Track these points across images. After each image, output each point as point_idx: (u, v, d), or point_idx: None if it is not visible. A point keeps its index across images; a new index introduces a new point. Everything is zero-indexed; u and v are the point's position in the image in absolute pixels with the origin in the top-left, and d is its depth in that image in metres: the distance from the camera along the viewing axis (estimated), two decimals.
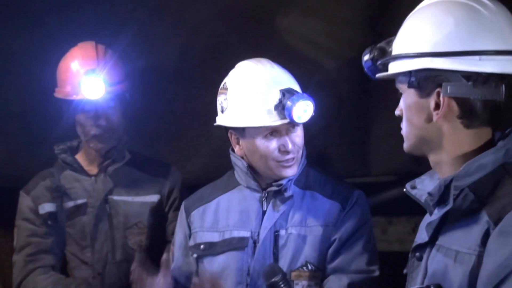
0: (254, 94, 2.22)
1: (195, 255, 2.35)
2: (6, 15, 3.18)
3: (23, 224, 2.79)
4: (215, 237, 2.33)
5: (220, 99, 2.31)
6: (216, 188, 2.42)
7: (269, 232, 2.25)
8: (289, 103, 2.16)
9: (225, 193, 2.38)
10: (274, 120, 2.19)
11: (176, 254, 2.40)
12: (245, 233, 2.28)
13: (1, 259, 3.41)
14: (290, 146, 2.22)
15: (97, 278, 2.75)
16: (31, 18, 3.18)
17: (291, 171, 2.26)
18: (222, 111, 2.30)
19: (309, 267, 2.24)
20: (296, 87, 2.26)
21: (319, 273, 2.25)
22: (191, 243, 2.37)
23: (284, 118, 2.18)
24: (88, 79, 2.64)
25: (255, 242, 2.26)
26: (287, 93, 2.19)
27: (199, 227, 2.36)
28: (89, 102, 2.67)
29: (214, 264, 2.30)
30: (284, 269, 2.21)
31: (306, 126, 2.29)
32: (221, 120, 2.31)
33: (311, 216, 2.27)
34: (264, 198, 2.29)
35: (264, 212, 2.28)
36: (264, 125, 2.20)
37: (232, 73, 2.31)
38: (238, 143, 2.30)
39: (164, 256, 2.14)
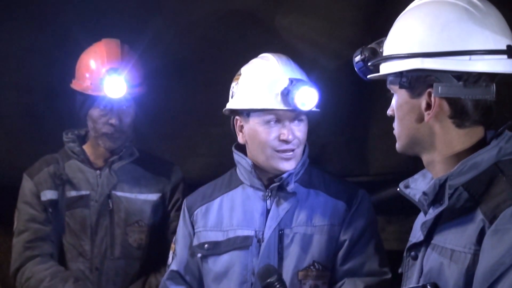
0: (263, 78, 2.23)
1: (199, 255, 2.35)
2: (10, 12, 3.18)
3: (24, 207, 2.80)
4: (219, 237, 2.33)
5: (232, 85, 2.32)
6: (218, 187, 2.41)
7: (273, 231, 2.25)
8: (293, 89, 2.17)
9: (228, 192, 2.38)
10: (278, 105, 2.19)
11: (181, 252, 2.40)
12: (249, 232, 2.28)
13: (0, 259, 3.41)
14: (290, 136, 2.21)
15: (94, 272, 2.76)
16: (34, 16, 3.19)
17: (289, 165, 2.25)
18: (232, 97, 2.31)
19: (317, 267, 2.24)
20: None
21: (326, 273, 2.25)
22: (195, 242, 2.37)
23: (289, 106, 2.19)
24: (111, 77, 2.65)
25: (259, 241, 2.26)
26: (295, 81, 2.20)
27: (202, 226, 2.36)
28: (107, 100, 2.69)
29: (219, 263, 2.31)
30: (291, 268, 2.22)
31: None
32: (229, 105, 2.31)
33: (317, 215, 2.26)
34: (267, 196, 2.28)
35: (268, 211, 2.28)
36: (268, 107, 2.20)
37: (250, 62, 2.33)
38: (241, 130, 2.30)
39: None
